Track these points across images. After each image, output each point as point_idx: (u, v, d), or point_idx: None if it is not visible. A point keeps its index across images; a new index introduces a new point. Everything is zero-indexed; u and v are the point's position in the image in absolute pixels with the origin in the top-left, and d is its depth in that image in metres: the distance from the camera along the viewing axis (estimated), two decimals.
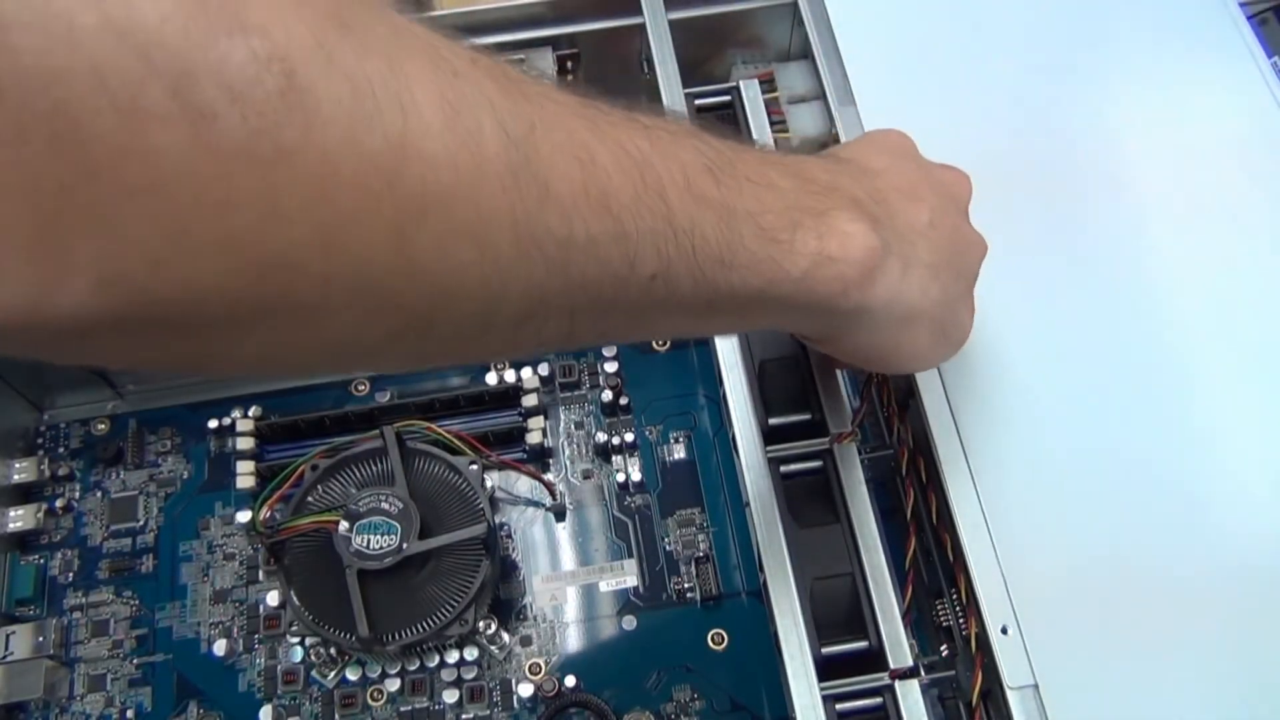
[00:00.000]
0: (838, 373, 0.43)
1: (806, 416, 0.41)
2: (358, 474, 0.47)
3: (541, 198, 0.23)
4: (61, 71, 0.16)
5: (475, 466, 0.47)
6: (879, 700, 0.37)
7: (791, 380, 0.42)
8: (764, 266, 0.28)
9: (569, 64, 0.55)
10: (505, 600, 0.48)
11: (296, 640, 0.47)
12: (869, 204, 0.31)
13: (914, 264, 0.32)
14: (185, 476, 0.52)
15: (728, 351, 0.43)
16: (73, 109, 0.17)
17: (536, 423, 0.50)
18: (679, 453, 0.51)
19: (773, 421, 0.41)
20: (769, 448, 0.41)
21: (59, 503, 0.51)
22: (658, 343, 0.54)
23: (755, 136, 0.48)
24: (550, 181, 0.23)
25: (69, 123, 0.17)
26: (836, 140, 0.48)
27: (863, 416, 0.43)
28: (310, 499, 0.46)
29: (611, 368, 0.52)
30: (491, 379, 0.52)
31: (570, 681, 0.46)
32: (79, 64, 0.17)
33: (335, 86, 0.19)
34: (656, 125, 0.27)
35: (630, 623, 0.47)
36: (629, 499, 0.50)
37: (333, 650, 0.46)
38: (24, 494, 0.51)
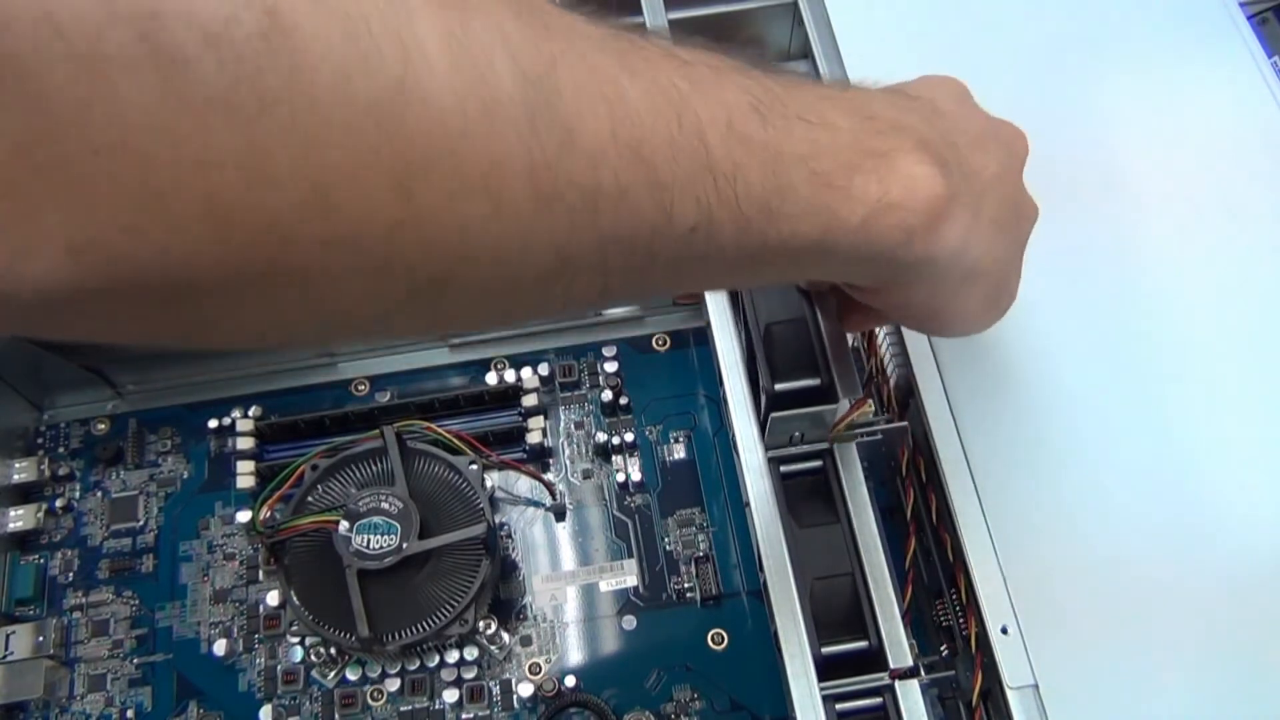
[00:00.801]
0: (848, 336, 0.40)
1: (815, 381, 0.39)
2: (358, 474, 0.47)
3: (564, 144, 0.21)
4: (8, 19, 0.15)
5: (475, 466, 0.47)
6: (879, 700, 0.37)
7: (800, 343, 0.40)
8: (818, 215, 0.26)
9: None
10: (505, 600, 0.48)
11: (296, 640, 0.47)
12: (939, 146, 0.28)
13: (982, 217, 0.29)
14: (185, 476, 0.52)
15: (728, 351, 0.43)
16: (24, 60, 0.15)
17: (536, 422, 0.50)
18: (679, 452, 0.51)
19: (779, 387, 0.39)
20: (770, 453, 0.41)
21: (59, 503, 0.51)
22: (657, 342, 0.54)
23: None
24: (574, 125, 0.21)
25: (21, 76, 0.15)
26: None
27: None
28: (310, 499, 0.46)
29: (611, 367, 0.52)
30: (491, 379, 0.52)
31: (570, 681, 0.46)
32: (27, 9, 0.15)
33: (325, 25, 0.17)
34: (697, 61, 0.24)
35: (630, 623, 0.47)
36: (629, 499, 0.50)
37: (333, 650, 0.46)
38: (24, 494, 0.51)
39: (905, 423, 0.42)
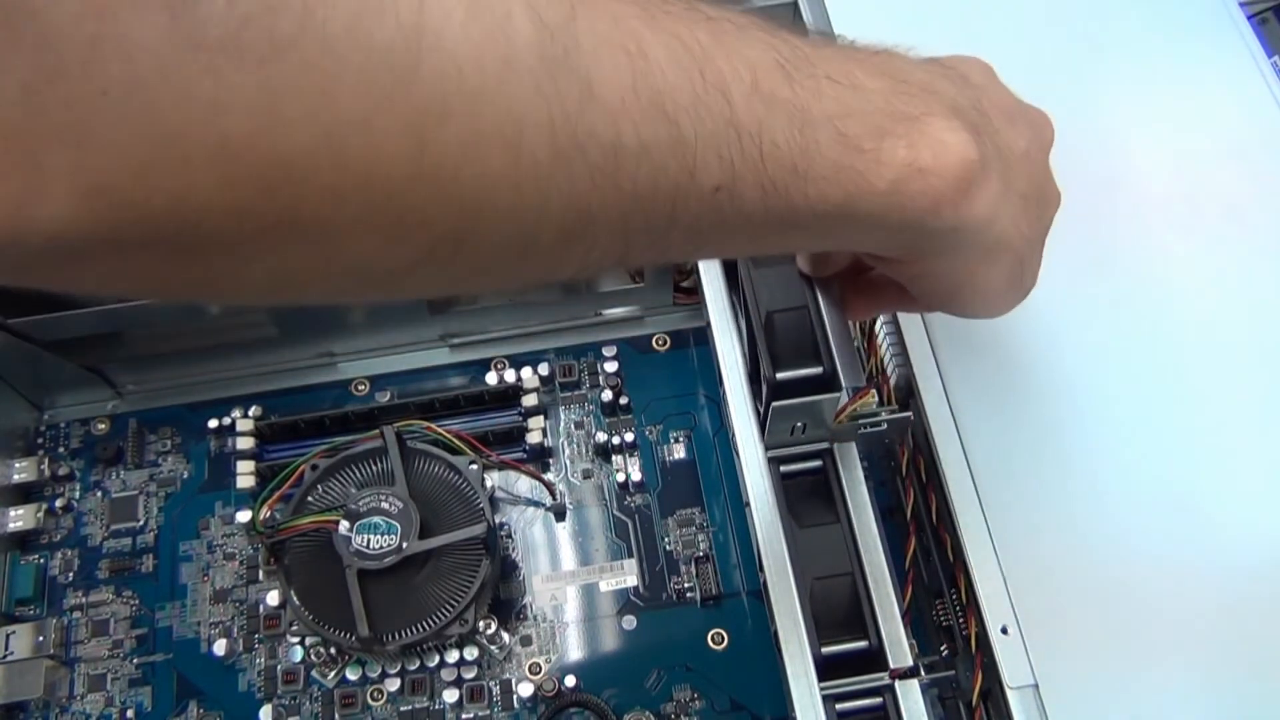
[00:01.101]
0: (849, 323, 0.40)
1: (817, 370, 0.38)
2: (358, 474, 0.47)
3: (584, 97, 0.20)
4: None
5: (475, 466, 0.47)
6: (879, 700, 0.37)
7: (802, 332, 0.39)
8: (844, 178, 0.25)
9: None
10: (505, 600, 0.48)
11: (296, 640, 0.47)
12: (971, 113, 0.28)
13: (1011, 189, 0.29)
14: (185, 476, 0.52)
15: (728, 351, 0.43)
16: None
17: (536, 422, 0.50)
18: (679, 452, 0.51)
19: (781, 376, 0.38)
20: (770, 453, 0.41)
21: (59, 502, 0.51)
22: (657, 342, 0.54)
23: None
24: (594, 78, 0.20)
25: (25, 13, 0.15)
26: None
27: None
28: (310, 499, 0.46)
29: (611, 367, 0.52)
30: (491, 379, 0.52)
31: (570, 681, 0.46)
32: None
33: None
34: (722, 16, 0.24)
35: (630, 622, 0.47)
36: (629, 499, 0.50)
37: (333, 650, 0.46)
38: (24, 494, 0.51)
39: (909, 413, 0.42)
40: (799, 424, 0.40)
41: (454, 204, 0.20)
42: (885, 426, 0.42)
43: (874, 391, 0.41)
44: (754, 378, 0.41)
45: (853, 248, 0.35)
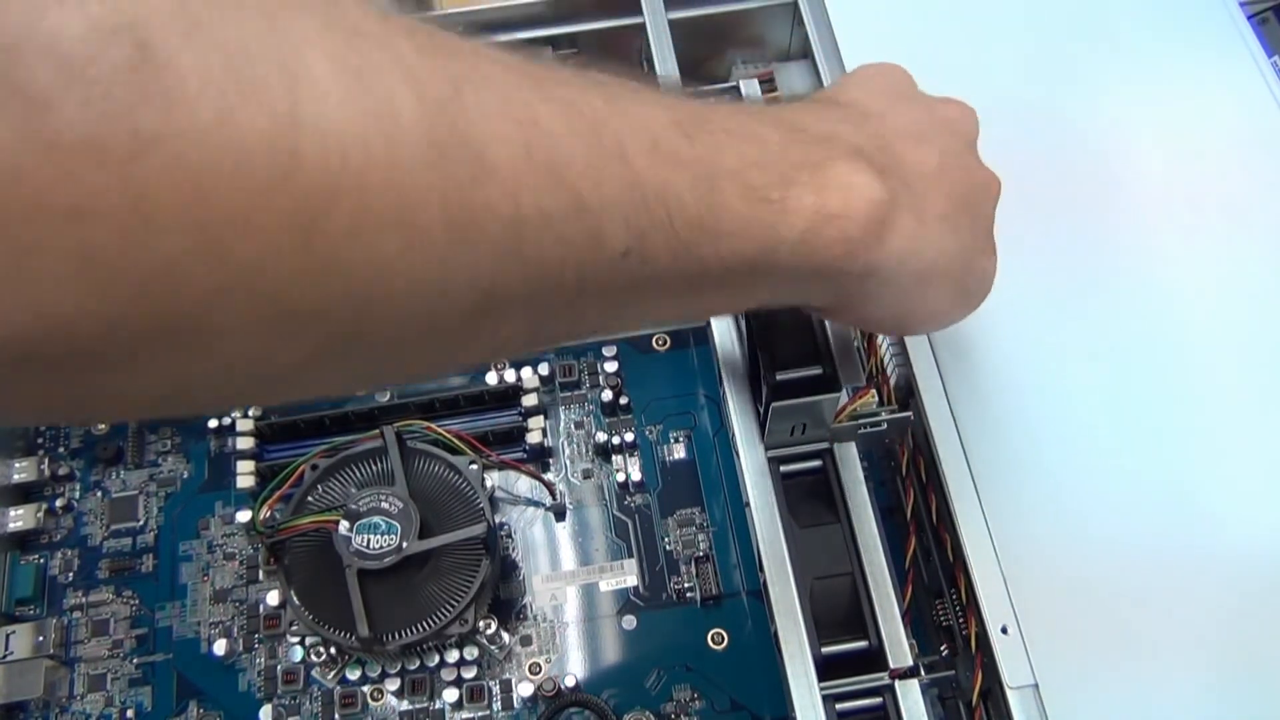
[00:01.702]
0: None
1: (817, 370, 0.38)
2: (358, 474, 0.47)
3: (476, 171, 0.20)
4: None
5: (475, 466, 0.47)
6: (879, 700, 0.37)
7: (801, 332, 0.39)
8: (755, 230, 0.25)
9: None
10: (505, 600, 0.48)
11: (296, 640, 0.47)
12: (872, 151, 0.28)
13: (927, 216, 0.29)
14: (185, 476, 0.52)
15: (728, 351, 0.43)
16: None
17: (536, 422, 0.50)
18: (679, 452, 0.51)
19: (781, 376, 0.38)
20: (770, 453, 0.41)
21: (59, 502, 0.51)
22: (658, 341, 0.54)
23: None
24: (485, 151, 0.20)
25: None
26: None
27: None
28: (310, 499, 0.46)
29: (611, 367, 0.52)
30: (491, 379, 0.52)
31: (570, 681, 0.46)
32: None
33: (202, 57, 0.16)
34: (614, 82, 0.24)
35: (630, 622, 0.47)
36: (629, 499, 0.50)
37: (333, 650, 0.46)
38: (24, 494, 0.51)
39: (909, 413, 0.42)
40: (799, 424, 0.40)
41: (347, 293, 0.19)
42: (885, 426, 0.41)
43: (874, 391, 0.41)
44: (754, 379, 0.41)
45: (777, 301, 0.35)
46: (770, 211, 0.25)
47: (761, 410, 0.40)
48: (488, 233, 0.20)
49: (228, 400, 0.25)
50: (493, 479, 0.50)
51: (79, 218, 0.15)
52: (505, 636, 0.46)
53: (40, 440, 0.53)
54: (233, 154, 0.16)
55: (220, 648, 0.47)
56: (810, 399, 0.38)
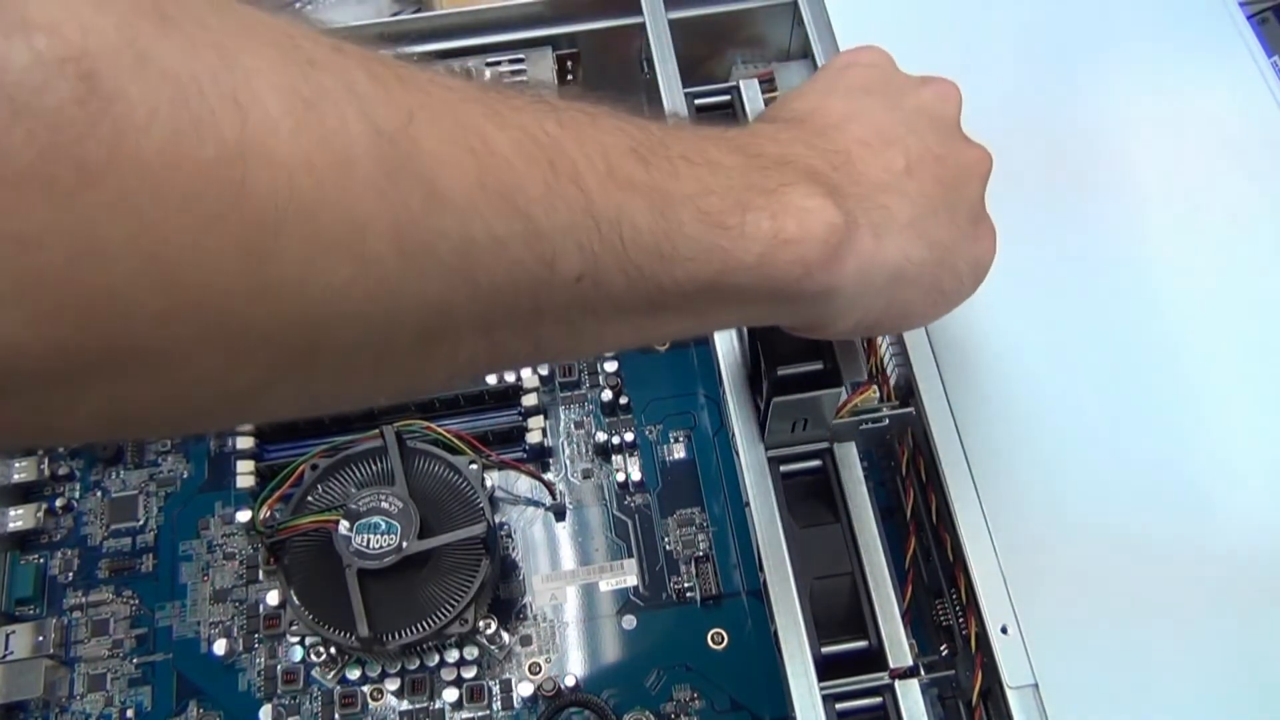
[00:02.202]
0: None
1: (818, 365, 0.37)
2: (357, 473, 0.47)
3: (428, 197, 0.20)
4: None
5: (475, 466, 0.47)
6: (879, 700, 0.37)
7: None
8: (711, 255, 0.25)
9: (569, 64, 0.55)
10: (505, 600, 0.48)
11: (296, 640, 0.47)
12: (827, 172, 0.28)
13: (889, 227, 0.29)
14: (185, 476, 0.52)
15: (728, 351, 0.43)
16: None
17: (536, 422, 0.50)
18: (679, 452, 0.51)
19: (782, 371, 0.37)
20: (770, 453, 0.41)
21: (59, 502, 0.51)
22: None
23: None
24: (437, 178, 0.20)
25: None
26: None
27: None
28: (310, 498, 0.46)
29: (611, 367, 0.52)
30: (491, 378, 0.52)
31: (570, 681, 0.46)
32: None
33: (150, 88, 0.16)
34: (570, 107, 0.24)
35: (630, 622, 0.47)
36: (629, 498, 0.50)
37: (333, 650, 0.46)
38: (24, 493, 0.51)
39: (911, 409, 0.42)
40: (800, 421, 0.40)
41: (299, 317, 0.19)
42: (887, 422, 0.41)
43: (874, 387, 0.40)
44: (754, 376, 0.41)
45: (741, 323, 0.35)
46: (727, 237, 0.25)
47: (762, 407, 0.40)
48: (440, 259, 0.20)
49: (184, 423, 0.25)
50: (493, 479, 0.50)
51: (25, 246, 0.16)
52: (505, 636, 0.47)
53: None
54: (180, 185, 0.17)
55: (220, 647, 0.47)
56: (811, 394, 0.37)
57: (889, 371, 0.44)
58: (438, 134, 0.20)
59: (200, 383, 0.19)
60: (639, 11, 0.52)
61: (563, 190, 0.22)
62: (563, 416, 0.52)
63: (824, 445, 0.41)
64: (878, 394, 0.41)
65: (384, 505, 0.44)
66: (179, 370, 0.18)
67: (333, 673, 0.46)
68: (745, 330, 0.41)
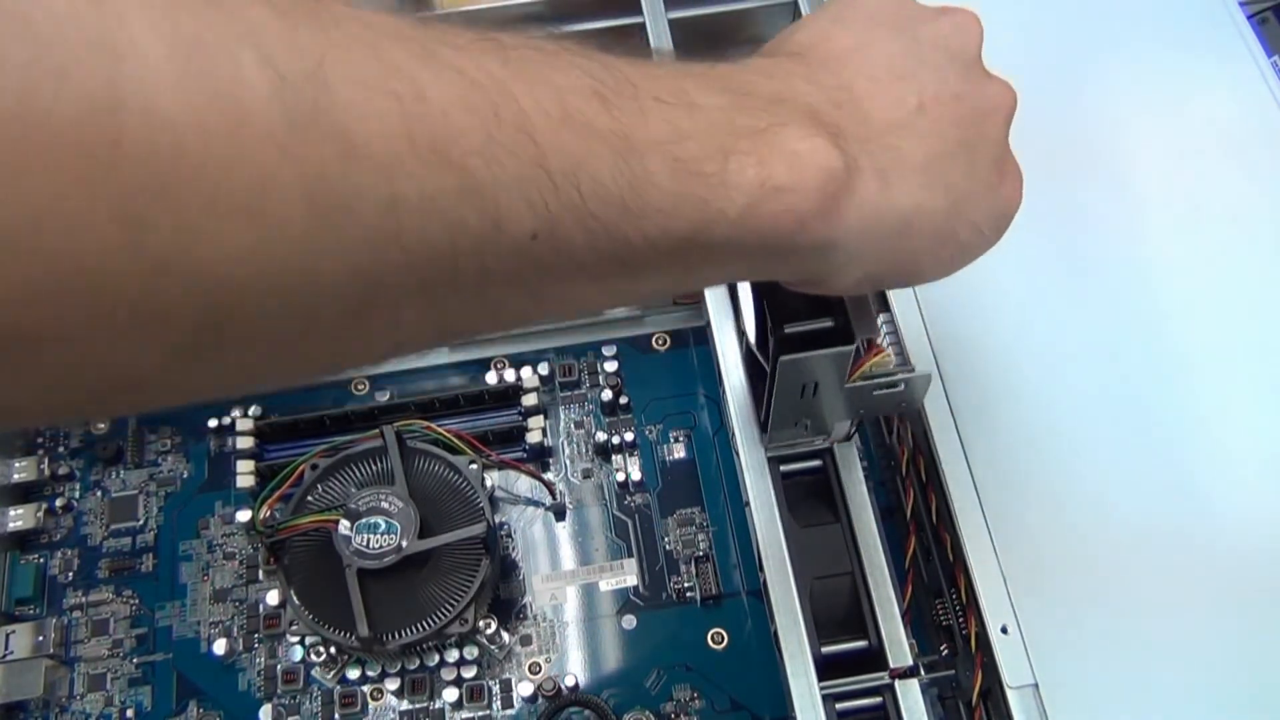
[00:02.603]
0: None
1: (828, 323, 0.34)
2: (357, 473, 0.47)
3: (344, 152, 0.18)
4: None
5: (475, 466, 0.47)
6: (879, 700, 0.37)
7: None
8: (687, 208, 0.22)
9: None
10: (505, 599, 0.48)
11: (296, 639, 0.47)
12: (828, 110, 0.25)
13: (898, 171, 0.26)
14: (185, 476, 0.52)
15: (728, 350, 0.43)
16: None
17: (536, 422, 0.50)
18: (679, 452, 0.51)
19: (789, 329, 0.34)
20: (770, 453, 0.41)
21: (59, 502, 0.51)
22: (657, 341, 0.54)
23: None
24: (353, 130, 0.18)
25: None
26: None
27: (862, 417, 0.43)
28: (310, 498, 0.46)
29: (611, 367, 0.52)
30: (491, 378, 0.52)
31: (570, 681, 0.46)
32: None
33: (7, 36, 0.14)
34: (522, 45, 0.21)
35: (630, 622, 0.47)
36: (629, 498, 0.50)
37: (333, 649, 0.46)
38: (24, 493, 0.51)
39: (930, 372, 0.39)
40: (808, 386, 0.37)
41: (195, 292, 0.17)
42: (903, 387, 0.38)
43: (890, 350, 0.38)
44: (761, 344, 0.38)
45: (729, 279, 0.32)
46: (705, 186, 0.23)
47: (768, 374, 0.37)
48: (360, 219, 0.18)
49: (74, 410, 0.24)
50: (492, 478, 0.50)
51: None
52: (505, 636, 0.47)
53: (40, 439, 0.53)
54: (42, 144, 0.15)
55: (220, 647, 0.47)
56: (820, 352, 0.34)
57: None
58: (355, 78, 0.18)
59: (88, 367, 0.17)
60: (639, 11, 0.52)
61: (508, 140, 0.20)
62: (563, 416, 0.52)
63: (824, 445, 0.41)
64: (893, 357, 0.38)
65: (384, 505, 0.44)
66: (67, 353, 0.17)
67: (333, 672, 0.46)
68: (749, 286, 0.39)
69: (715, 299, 0.45)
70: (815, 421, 0.40)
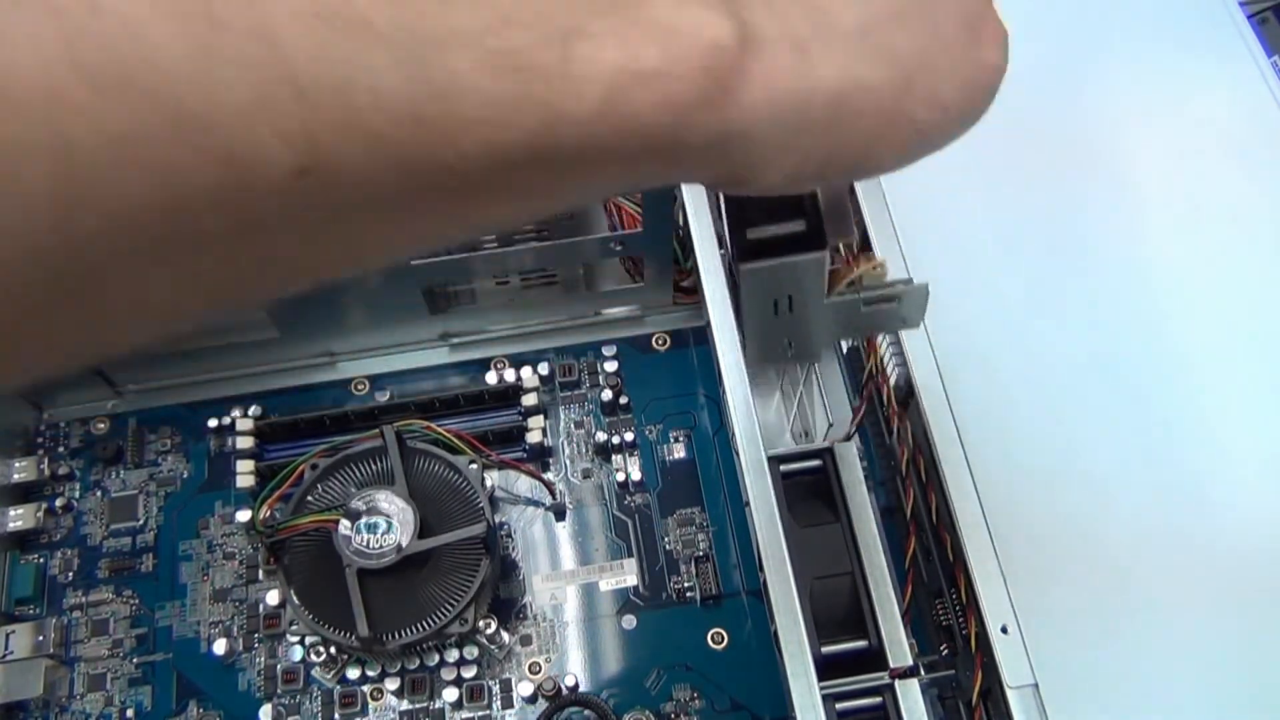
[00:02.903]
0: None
1: (799, 226, 0.29)
2: (357, 473, 0.47)
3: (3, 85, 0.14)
4: None
5: (475, 466, 0.47)
6: (879, 700, 0.37)
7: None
8: (515, 113, 0.17)
9: None
10: (505, 599, 0.48)
11: (296, 639, 0.47)
12: None
13: (823, 38, 0.21)
14: (185, 476, 0.52)
15: (728, 350, 0.43)
16: None
17: (536, 422, 0.50)
18: (679, 452, 0.51)
19: (752, 234, 0.29)
20: (770, 452, 0.41)
21: (59, 502, 0.51)
22: (657, 341, 0.54)
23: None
24: (17, 51, 0.14)
25: None
26: None
27: (862, 416, 0.43)
28: (310, 498, 0.46)
29: (611, 367, 0.52)
30: (491, 378, 0.52)
31: (570, 681, 0.46)
32: None
33: None
34: None
35: (630, 622, 0.47)
36: (629, 498, 0.50)
37: (332, 649, 0.46)
38: (24, 493, 0.51)
39: (927, 282, 0.34)
40: (782, 301, 0.32)
41: None
42: (899, 303, 0.33)
43: (882, 259, 0.33)
44: (730, 259, 0.34)
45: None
46: (540, 83, 0.17)
47: (731, 285, 0.33)
48: (23, 180, 0.14)
49: None
50: (492, 478, 0.50)
51: None
52: (505, 636, 0.46)
53: (40, 439, 0.53)
54: None
55: (220, 647, 0.47)
56: (788, 259, 0.29)
57: (889, 372, 0.44)
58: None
59: None
60: None
61: (233, 50, 0.15)
62: (563, 416, 0.52)
63: (824, 445, 0.41)
64: (886, 267, 0.33)
65: (384, 505, 0.44)
66: None
67: (333, 672, 0.46)
68: (722, 204, 0.33)
69: (715, 299, 0.45)
70: (799, 343, 0.35)
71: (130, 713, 0.47)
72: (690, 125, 0.19)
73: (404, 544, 0.43)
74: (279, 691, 0.46)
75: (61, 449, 0.53)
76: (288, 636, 0.47)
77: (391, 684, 0.46)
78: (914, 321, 0.35)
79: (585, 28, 0.18)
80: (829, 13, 0.21)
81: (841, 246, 0.32)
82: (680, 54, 0.18)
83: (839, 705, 0.37)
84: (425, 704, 0.46)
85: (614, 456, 0.51)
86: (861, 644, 0.38)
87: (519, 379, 0.51)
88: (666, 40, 0.18)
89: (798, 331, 0.34)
